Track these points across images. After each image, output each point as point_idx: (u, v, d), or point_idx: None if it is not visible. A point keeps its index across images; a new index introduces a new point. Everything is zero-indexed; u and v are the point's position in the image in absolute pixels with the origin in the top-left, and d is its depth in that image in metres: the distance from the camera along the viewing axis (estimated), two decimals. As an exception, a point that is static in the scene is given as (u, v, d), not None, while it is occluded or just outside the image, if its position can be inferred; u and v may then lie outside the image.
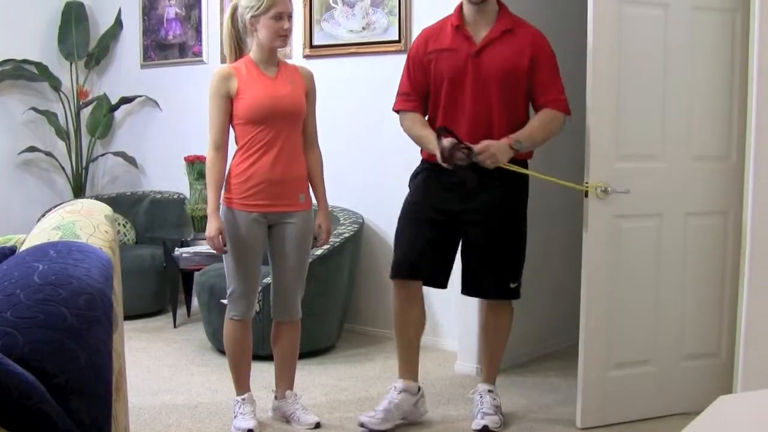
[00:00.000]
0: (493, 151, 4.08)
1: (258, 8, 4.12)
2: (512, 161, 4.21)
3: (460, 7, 4.38)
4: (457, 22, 4.34)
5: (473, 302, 5.07)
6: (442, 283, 4.52)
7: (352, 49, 6.27)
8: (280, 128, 4.20)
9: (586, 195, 4.22)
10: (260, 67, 4.23)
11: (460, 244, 4.48)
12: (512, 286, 4.44)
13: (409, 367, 4.53)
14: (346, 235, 5.79)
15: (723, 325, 4.54)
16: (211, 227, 4.18)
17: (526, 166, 4.42)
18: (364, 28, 6.21)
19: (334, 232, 5.75)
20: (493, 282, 4.45)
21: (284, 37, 4.20)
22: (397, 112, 4.51)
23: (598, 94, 4.18)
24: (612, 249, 4.29)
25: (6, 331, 1.87)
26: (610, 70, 4.20)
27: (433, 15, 5.60)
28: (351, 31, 6.29)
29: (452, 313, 5.51)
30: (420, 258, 4.41)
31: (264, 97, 4.17)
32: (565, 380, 5.08)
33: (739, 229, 4.30)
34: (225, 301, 4.41)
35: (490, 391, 4.57)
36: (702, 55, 4.39)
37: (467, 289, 4.53)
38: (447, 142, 4.05)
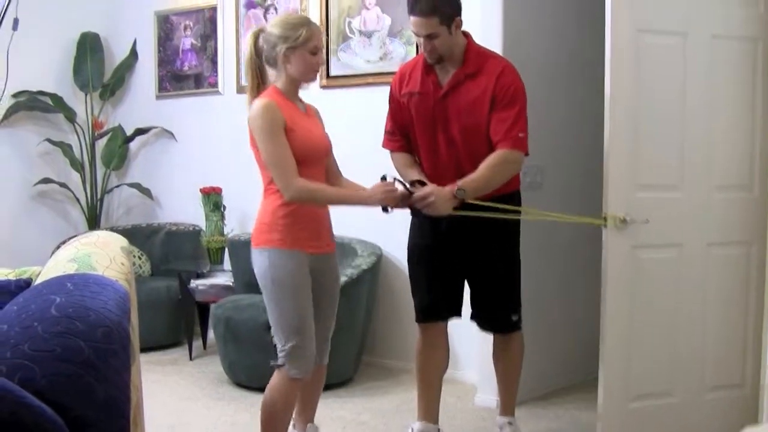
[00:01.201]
0: (432, 200, 4.00)
1: (296, 39, 3.88)
2: (499, 194, 4.20)
3: None
4: (425, 67, 4.35)
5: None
6: (458, 313, 4.57)
7: (370, 79, 6.31)
8: (319, 165, 4.03)
9: (605, 225, 4.21)
10: (292, 100, 4.00)
11: (463, 273, 4.53)
12: (514, 319, 4.49)
13: (429, 409, 4.54)
14: (364, 267, 5.82)
15: (747, 356, 4.53)
16: (372, 190, 4.00)
17: (518, 200, 4.46)
18: (381, 58, 6.26)
19: (353, 263, 5.79)
20: (495, 316, 4.51)
21: (317, 71, 4.05)
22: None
23: (617, 124, 4.18)
24: (631, 280, 4.29)
25: (23, 364, 1.90)
26: (628, 99, 4.20)
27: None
28: (368, 61, 6.34)
29: (472, 345, 5.52)
30: (436, 299, 4.47)
31: (311, 134, 3.98)
32: (587, 412, 5.08)
33: (763, 261, 4.31)
34: (280, 362, 3.92)
35: (510, 423, 4.59)
36: (722, 84, 4.40)
37: (474, 319, 4.58)
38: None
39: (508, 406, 4.65)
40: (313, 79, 4.09)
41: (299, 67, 3.93)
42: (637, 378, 4.36)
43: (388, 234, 6.02)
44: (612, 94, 4.18)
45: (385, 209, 4.03)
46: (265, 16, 6.90)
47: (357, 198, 4.08)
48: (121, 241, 3.29)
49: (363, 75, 6.38)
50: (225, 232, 6.92)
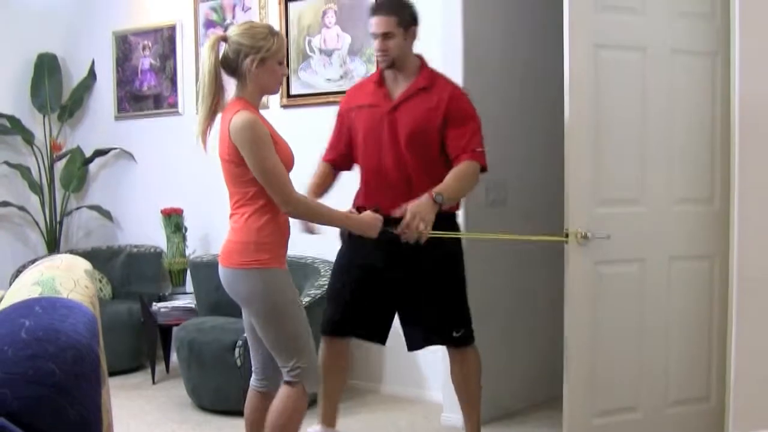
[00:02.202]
0: (418, 210, 4.09)
1: (268, 50, 3.77)
2: (439, 219, 4.25)
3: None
4: (378, 78, 4.56)
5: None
6: (379, 339, 4.75)
7: (331, 98, 6.32)
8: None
9: (567, 242, 4.27)
10: (260, 112, 3.88)
11: (394, 298, 4.64)
12: (456, 334, 4.58)
13: (328, 415, 4.83)
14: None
15: (712, 370, 4.60)
16: (368, 220, 3.99)
17: (454, 221, 4.58)
18: (342, 77, 6.32)
19: (316, 283, 5.83)
20: (435, 331, 4.61)
21: (281, 83, 4.02)
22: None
23: (576, 140, 4.25)
24: (594, 296, 4.35)
25: (-5, 387, 1.95)
26: (587, 114, 4.27)
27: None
28: (329, 79, 6.40)
29: (437, 364, 5.58)
30: (348, 315, 4.59)
31: (287, 147, 3.90)
32: (555, 430, 5.13)
33: (726, 274, 4.38)
34: (293, 380, 3.90)
35: None
36: (682, 98, 4.47)
37: (411, 344, 4.71)
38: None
39: (472, 424, 4.73)
40: (277, 90, 4.08)
41: (268, 78, 3.84)
42: (602, 394, 4.42)
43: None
44: (571, 109, 4.24)
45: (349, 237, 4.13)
46: (224, 36, 6.94)
47: (351, 221, 4.04)
48: (85, 264, 3.31)
49: (324, 93, 6.43)
50: (187, 254, 6.95)
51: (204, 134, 3.83)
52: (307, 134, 5.70)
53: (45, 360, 2.03)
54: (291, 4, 6.53)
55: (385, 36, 4.39)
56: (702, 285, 4.59)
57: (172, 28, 7.34)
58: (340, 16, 6.31)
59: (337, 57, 6.34)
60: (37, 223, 7.81)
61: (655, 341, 4.51)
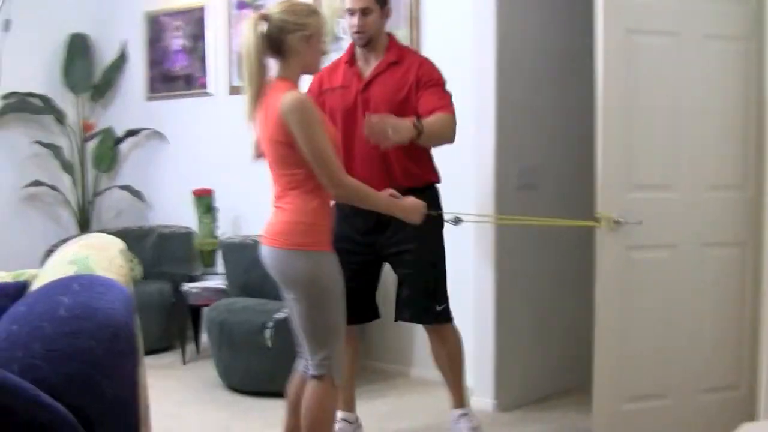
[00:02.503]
0: (396, 122, 4.05)
1: (313, 26, 3.71)
2: (414, 187, 4.35)
3: (352, 45, 4.61)
4: (348, 59, 4.58)
5: (488, 337, 5.19)
6: (372, 316, 4.80)
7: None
8: None
9: (598, 227, 4.26)
10: None
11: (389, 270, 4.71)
12: (438, 309, 4.62)
13: (347, 401, 4.86)
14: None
15: (743, 357, 4.59)
16: (413, 204, 3.97)
17: (435, 192, 4.62)
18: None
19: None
20: (417, 307, 4.64)
21: (322, 63, 3.94)
22: None
23: (609, 124, 4.24)
24: (625, 281, 4.34)
25: (34, 363, 1.99)
26: (619, 99, 4.26)
27: (442, 46, 5.74)
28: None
29: (468, 348, 5.59)
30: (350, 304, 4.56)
31: (335, 129, 3.90)
32: (581, 415, 5.14)
33: (758, 261, 4.38)
34: (322, 372, 3.83)
35: (463, 414, 4.72)
36: (715, 84, 4.46)
37: (397, 314, 4.72)
38: None
39: (458, 398, 4.79)
40: (319, 69, 3.97)
41: (312, 55, 3.77)
42: (631, 379, 4.43)
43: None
44: (603, 95, 4.23)
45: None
46: (256, 17, 6.96)
47: (396, 206, 3.95)
48: (119, 243, 3.36)
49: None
50: (217, 235, 6.99)
51: (254, 116, 3.77)
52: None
53: (83, 337, 2.07)
54: (323, -14, 6.55)
55: (364, 12, 4.41)
56: (734, 272, 4.57)
57: (203, 9, 7.36)
58: (372, -2, 6.30)
59: (368, 39, 6.33)
60: (68, 203, 7.89)
61: (685, 328, 4.50)
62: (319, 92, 4.61)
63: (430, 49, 5.73)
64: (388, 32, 4.63)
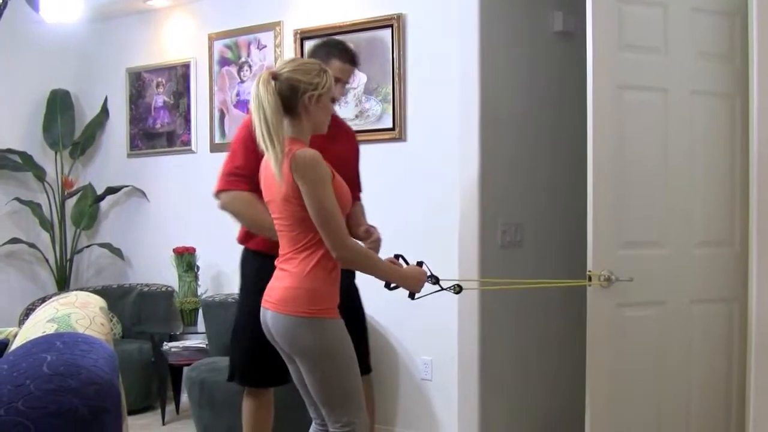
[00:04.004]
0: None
1: (324, 86, 3.69)
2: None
3: None
4: None
5: (472, 393, 5.15)
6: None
7: (347, 137, 6.39)
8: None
9: (590, 284, 4.23)
10: None
11: None
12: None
13: None
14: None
15: (731, 414, 4.56)
16: (414, 273, 3.89)
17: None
18: (357, 116, 6.33)
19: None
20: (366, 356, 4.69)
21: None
22: (222, 192, 4.42)
23: (599, 182, 4.23)
24: (616, 338, 4.31)
25: (18, 421, 1.95)
26: (611, 155, 4.26)
27: (427, 101, 5.79)
28: (344, 119, 6.40)
29: (452, 406, 5.55)
30: (261, 364, 4.48)
31: (347, 190, 3.80)
32: (570, 475, 5.12)
33: (745, 317, 4.37)
34: None
35: None
36: (702, 140, 4.47)
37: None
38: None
39: None
40: (326, 129, 3.85)
41: (322, 115, 3.75)
42: (623, 440, 4.40)
43: (363, 293, 6.10)
44: (594, 151, 4.22)
45: (392, 288, 3.93)
46: (239, 73, 6.99)
47: (397, 276, 3.85)
48: (100, 301, 3.34)
49: (340, 133, 6.42)
50: (199, 293, 6.95)
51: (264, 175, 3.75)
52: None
53: (68, 395, 2.04)
54: (306, 42, 6.56)
55: (346, 83, 4.73)
56: (722, 329, 4.56)
57: (186, 66, 7.39)
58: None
59: (352, 96, 6.36)
60: (47, 261, 7.83)
61: (676, 385, 4.48)
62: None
63: (413, 101, 5.76)
64: None
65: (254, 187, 4.10)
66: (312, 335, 3.65)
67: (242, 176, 4.33)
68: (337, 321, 3.71)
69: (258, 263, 4.41)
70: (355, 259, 3.70)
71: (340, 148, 4.49)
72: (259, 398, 4.61)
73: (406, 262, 3.97)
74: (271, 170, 3.64)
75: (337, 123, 4.49)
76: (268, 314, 3.76)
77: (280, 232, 3.76)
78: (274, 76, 3.65)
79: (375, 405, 4.85)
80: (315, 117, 3.71)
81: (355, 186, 4.50)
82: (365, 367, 4.53)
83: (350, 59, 4.60)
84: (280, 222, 3.75)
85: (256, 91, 3.61)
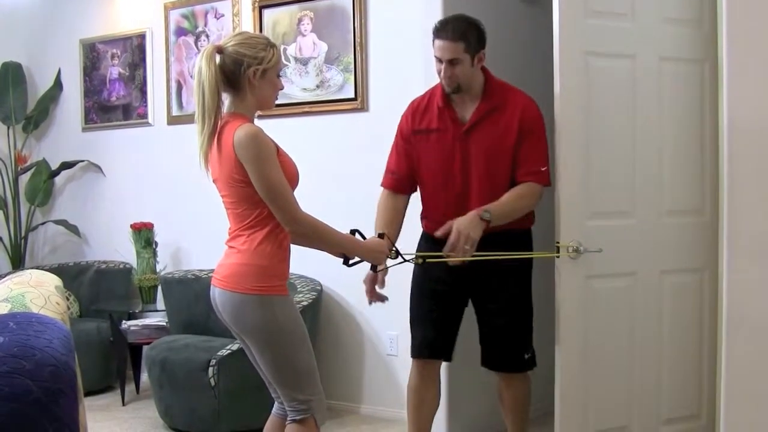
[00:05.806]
0: (463, 228, 4.00)
1: (269, 60, 3.65)
2: (511, 237, 4.30)
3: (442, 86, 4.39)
4: (442, 102, 4.36)
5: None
6: (449, 356, 4.61)
7: (306, 108, 6.34)
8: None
9: (558, 256, 4.22)
10: None
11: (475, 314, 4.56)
12: (526, 356, 4.48)
13: None
14: (304, 303, 5.81)
15: (703, 386, 4.58)
16: (373, 245, 3.89)
17: (527, 239, 4.50)
18: (318, 86, 6.30)
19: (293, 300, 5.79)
20: (508, 355, 4.49)
21: (277, 98, 3.88)
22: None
23: (567, 152, 4.22)
24: (585, 310, 4.32)
25: (-30, 405, 1.91)
26: (578, 124, 4.25)
27: (390, 71, 5.75)
28: (305, 89, 6.37)
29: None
30: (438, 335, 4.49)
31: (292, 161, 3.79)
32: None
33: (715, 287, 4.37)
34: (304, 415, 3.72)
35: None
36: (671, 107, 4.47)
37: (484, 362, 4.57)
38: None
39: None
40: (273, 105, 3.87)
41: (268, 90, 3.72)
42: (595, 412, 4.39)
43: (328, 268, 6.04)
44: (561, 119, 4.22)
45: (351, 264, 3.91)
46: (196, 44, 6.92)
47: (355, 247, 3.84)
48: (56, 280, 3.27)
49: (299, 104, 6.40)
50: (157, 270, 6.89)
51: (208, 155, 3.68)
52: (283, 145, 5.66)
53: (22, 377, 2.00)
54: (265, 11, 6.51)
55: (451, 62, 4.21)
56: (692, 299, 4.57)
57: (142, 36, 7.31)
58: (316, 23, 6.28)
59: (313, 66, 6.31)
60: (0, 239, 7.74)
61: (646, 358, 4.49)
62: (410, 132, 4.43)
63: (376, 71, 5.72)
64: (484, 67, 4.37)
65: (402, 186, 4.52)
66: (260, 313, 3.63)
67: (393, 172, 4.55)
68: (286, 298, 3.70)
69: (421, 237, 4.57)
70: (308, 231, 3.67)
71: (493, 127, 4.31)
72: (423, 371, 4.57)
73: (363, 237, 3.93)
74: (215, 149, 3.64)
75: (495, 97, 4.35)
76: (216, 291, 3.74)
77: (227, 210, 3.74)
78: (219, 50, 3.64)
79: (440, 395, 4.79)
80: (260, 92, 3.68)
81: (523, 166, 4.31)
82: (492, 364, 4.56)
83: (437, 32, 4.28)
84: (226, 200, 3.73)
85: (198, 65, 3.61)
